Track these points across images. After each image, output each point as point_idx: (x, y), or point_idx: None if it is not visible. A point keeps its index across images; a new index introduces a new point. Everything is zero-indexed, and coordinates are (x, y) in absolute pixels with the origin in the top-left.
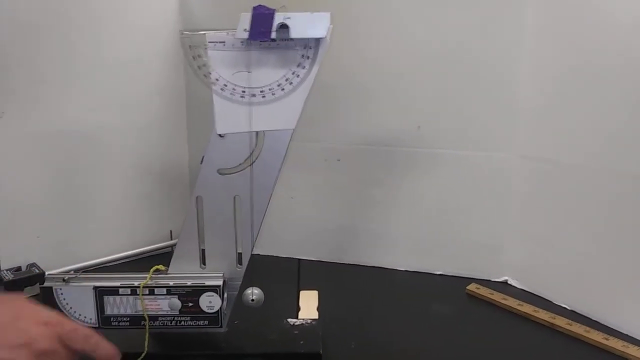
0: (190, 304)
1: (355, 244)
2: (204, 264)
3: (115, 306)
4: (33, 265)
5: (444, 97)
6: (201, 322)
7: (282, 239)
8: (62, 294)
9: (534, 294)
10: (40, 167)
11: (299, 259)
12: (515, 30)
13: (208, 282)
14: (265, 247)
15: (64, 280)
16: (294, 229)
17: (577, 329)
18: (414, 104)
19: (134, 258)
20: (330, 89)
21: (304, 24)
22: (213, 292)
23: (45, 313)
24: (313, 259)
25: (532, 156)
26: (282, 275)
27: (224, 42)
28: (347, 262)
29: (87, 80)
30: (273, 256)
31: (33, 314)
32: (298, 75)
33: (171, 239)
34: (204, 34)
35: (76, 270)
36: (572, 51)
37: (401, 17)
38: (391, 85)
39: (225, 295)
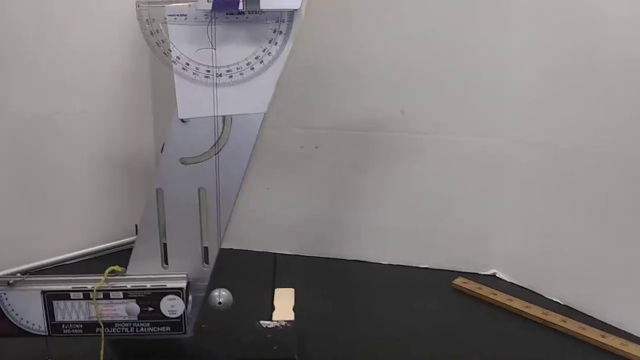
0: (150, 309)
1: (335, 236)
2: (166, 263)
3: (67, 312)
4: None
5: (430, 80)
6: (163, 329)
7: (256, 231)
8: (6, 299)
9: (524, 288)
10: None
11: (274, 254)
12: (505, 9)
13: (170, 284)
14: (238, 241)
15: (8, 283)
16: (269, 221)
17: (572, 325)
18: (398, 86)
19: (96, 255)
20: (305, 69)
21: None
22: (175, 295)
23: None
24: (289, 253)
25: (525, 140)
26: (255, 271)
27: (185, 15)
28: (326, 256)
29: (42, 63)
30: (246, 250)
31: None
32: (269, 53)
33: (136, 234)
34: (163, 6)
35: (30, 271)
36: (566, 29)
37: (388, 2)
38: (374, 66)
39: (190, 298)
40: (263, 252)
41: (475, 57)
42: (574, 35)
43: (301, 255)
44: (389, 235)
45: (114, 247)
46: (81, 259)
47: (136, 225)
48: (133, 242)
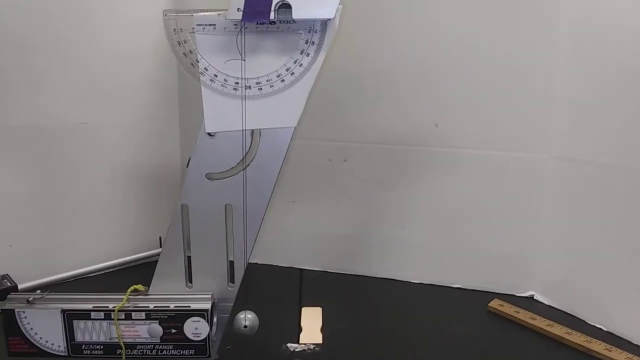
0: (174, 331)
1: (364, 253)
2: (190, 282)
3: (87, 332)
4: (5, 277)
5: (466, 92)
6: (186, 352)
7: (283, 246)
8: (25, 317)
9: (564, 312)
10: (14, 167)
11: (301, 269)
12: (548, 22)
13: (194, 305)
14: (264, 256)
15: (27, 301)
16: (296, 235)
17: (618, 355)
18: (433, 98)
19: (119, 268)
20: (336, 79)
21: (309, 3)
22: (200, 317)
23: None
24: (317, 269)
25: (568, 157)
26: (281, 287)
27: (214, 24)
28: (355, 273)
29: (69, 72)
30: (272, 265)
31: None
32: (301, 65)
33: (160, 247)
34: (192, 15)
35: (52, 283)
36: (611, 45)
37: (424, 7)
38: (407, 78)
39: (215, 319)
40: (289, 267)
41: (515, 70)
42: (617, 50)
43: (328, 271)
44: (419, 253)
45: (138, 259)
46: (104, 271)
47: (160, 238)
48: (157, 254)
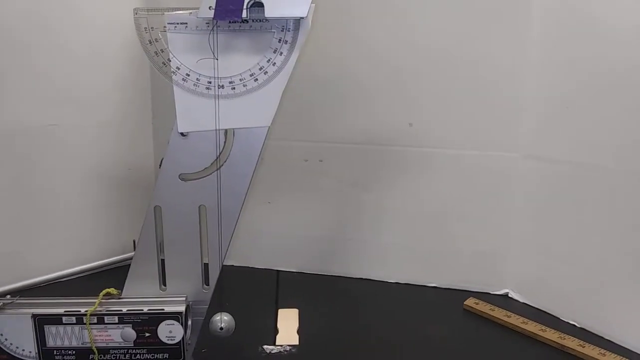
0: (147, 334)
1: (340, 253)
2: (164, 284)
3: (59, 337)
4: None
5: (440, 92)
6: (160, 356)
7: (259, 248)
8: None
9: (538, 309)
10: None
11: (277, 270)
12: (519, 22)
13: (168, 308)
14: (239, 258)
15: None
16: (271, 236)
17: (591, 351)
18: (407, 99)
19: (92, 272)
20: (310, 79)
21: (282, 2)
22: (174, 319)
23: None
24: (293, 270)
25: (539, 156)
26: (258, 289)
27: (185, 23)
28: (332, 274)
29: (38, 73)
30: (248, 267)
31: None
32: (274, 64)
33: (134, 250)
34: (163, 13)
35: (22, 289)
36: (581, 44)
37: (399, 9)
38: (381, 78)
39: (190, 322)
40: (265, 269)
41: (488, 70)
42: (591, 50)
43: (305, 272)
44: (395, 253)
45: (112, 263)
46: (77, 276)
47: (134, 241)
48: (131, 258)
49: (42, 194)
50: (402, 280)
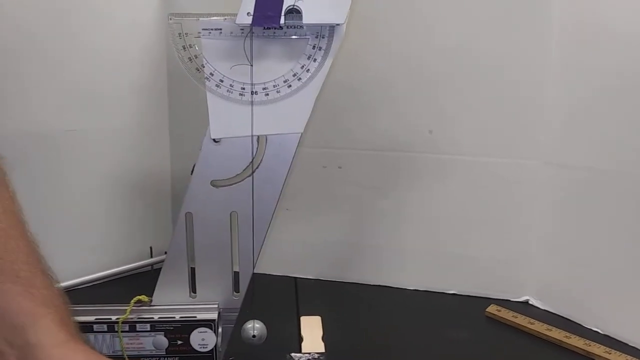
0: (180, 342)
1: (359, 260)
2: (194, 292)
3: (90, 345)
4: None
5: (460, 99)
6: None
7: (276, 255)
8: None
9: (560, 316)
10: None
11: (295, 278)
12: (541, 27)
13: (200, 316)
14: (257, 264)
15: None
16: (290, 244)
17: (617, 357)
18: (427, 105)
19: (108, 279)
20: (329, 87)
21: (319, 8)
22: (206, 327)
23: None
24: (311, 278)
25: (559, 162)
26: (277, 296)
27: (220, 29)
28: (349, 281)
29: (53, 78)
30: (265, 274)
31: None
32: (308, 70)
33: (151, 257)
34: (197, 19)
35: None
36: (601, 49)
37: (421, 15)
38: (401, 84)
39: (220, 329)
40: (283, 276)
41: (508, 76)
42: (610, 55)
43: (322, 279)
44: (414, 260)
45: (128, 270)
46: (93, 283)
47: (151, 248)
48: (148, 265)
49: (57, 199)
50: (421, 287)
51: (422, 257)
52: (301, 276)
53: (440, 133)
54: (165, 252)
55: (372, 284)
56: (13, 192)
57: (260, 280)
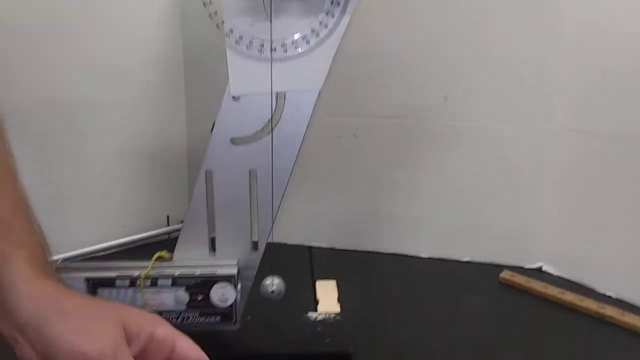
0: (200, 297)
1: (374, 229)
2: (214, 249)
3: (112, 300)
4: None
5: (475, 66)
6: (212, 319)
7: (290, 224)
8: None
9: (573, 282)
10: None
11: (310, 247)
12: None
13: (220, 271)
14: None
15: None
16: (303, 212)
17: (631, 319)
18: (442, 71)
19: (126, 247)
20: (343, 54)
21: None
22: (227, 282)
23: None
24: (324, 246)
25: (573, 128)
26: (292, 265)
27: None
28: (364, 249)
29: (69, 48)
30: (279, 244)
31: None
32: (326, 26)
33: (168, 225)
34: None
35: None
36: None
37: None
38: (415, 50)
39: (239, 286)
40: (297, 245)
41: (522, 41)
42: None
43: (336, 248)
44: (428, 228)
45: (145, 239)
46: (109, 251)
47: (168, 217)
48: (165, 233)
49: (75, 169)
50: (435, 255)
51: (436, 225)
52: (315, 245)
53: (454, 100)
54: (182, 221)
55: (387, 252)
56: (8, 145)
57: (274, 249)
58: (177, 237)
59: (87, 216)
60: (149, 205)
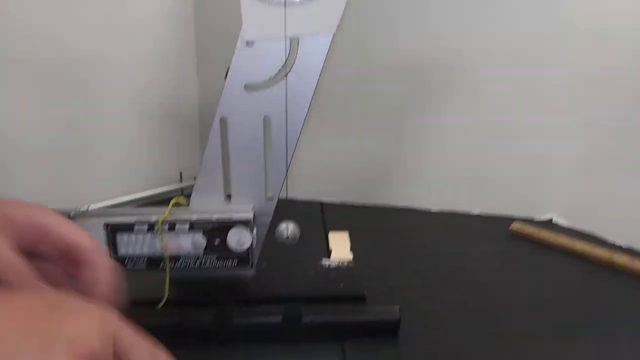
0: (217, 241)
1: (384, 183)
2: (229, 196)
3: (131, 245)
4: None
5: (488, 10)
6: (229, 262)
7: (301, 179)
8: None
9: (584, 232)
10: (26, 101)
11: (321, 202)
12: None
13: (236, 216)
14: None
15: (69, 216)
16: (315, 167)
17: None
18: (453, 19)
19: (138, 204)
20: (355, 2)
21: None
22: (243, 226)
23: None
24: (336, 202)
25: (583, 75)
26: (305, 218)
27: None
28: (375, 203)
29: (81, 5)
30: (291, 199)
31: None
32: None
33: (180, 181)
34: None
35: None
36: None
37: None
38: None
39: (255, 232)
40: (309, 200)
41: None
42: None
43: (347, 203)
44: (437, 181)
45: (160, 194)
46: (125, 205)
47: (180, 173)
48: (177, 189)
49: (88, 125)
50: (446, 207)
51: (445, 178)
52: (326, 200)
53: (470, 51)
54: (195, 177)
55: (396, 206)
56: None
57: (285, 205)
58: (191, 192)
59: (100, 171)
60: (162, 161)
